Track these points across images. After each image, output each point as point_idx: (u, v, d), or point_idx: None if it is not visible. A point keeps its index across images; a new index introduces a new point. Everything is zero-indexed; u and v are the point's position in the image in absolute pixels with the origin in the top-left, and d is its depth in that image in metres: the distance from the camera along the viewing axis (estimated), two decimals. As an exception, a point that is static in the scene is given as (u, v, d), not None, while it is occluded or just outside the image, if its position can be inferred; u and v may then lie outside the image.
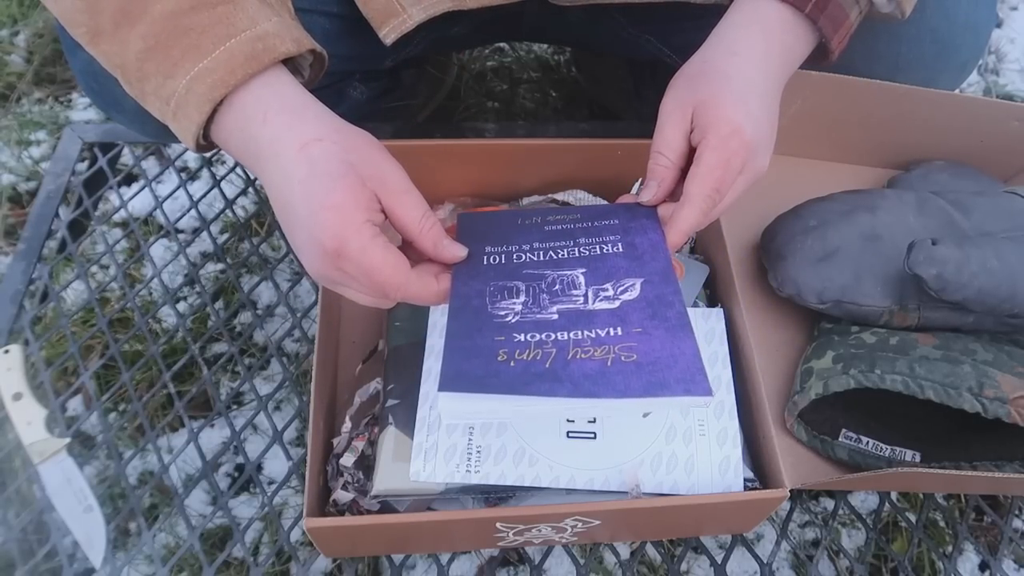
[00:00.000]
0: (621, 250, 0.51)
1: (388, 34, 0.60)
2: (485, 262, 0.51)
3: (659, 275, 0.48)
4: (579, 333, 0.46)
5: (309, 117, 0.45)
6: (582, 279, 0.49)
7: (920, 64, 0.68)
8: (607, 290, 0.48)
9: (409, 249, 0.48)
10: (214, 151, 0.52)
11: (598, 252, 0.51)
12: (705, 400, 0.42)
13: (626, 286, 0.48)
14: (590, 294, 0.48)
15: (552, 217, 0.56)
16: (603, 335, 0.45)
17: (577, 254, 0.51)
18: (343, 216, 0.43)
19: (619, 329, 0.46)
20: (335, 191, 0.43)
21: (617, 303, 0.47)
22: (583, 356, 0.44)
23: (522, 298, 0.48)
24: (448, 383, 0.43)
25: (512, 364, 0.44)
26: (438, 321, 0.63)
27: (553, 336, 0.45)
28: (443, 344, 0.46)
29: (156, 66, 0.45)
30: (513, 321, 0.47)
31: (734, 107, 0.48)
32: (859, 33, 0.61)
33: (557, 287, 0.49)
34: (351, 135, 0.45)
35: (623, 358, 0.44)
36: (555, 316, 0.47)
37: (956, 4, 0.65)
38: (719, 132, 0.48)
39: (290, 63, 0.48)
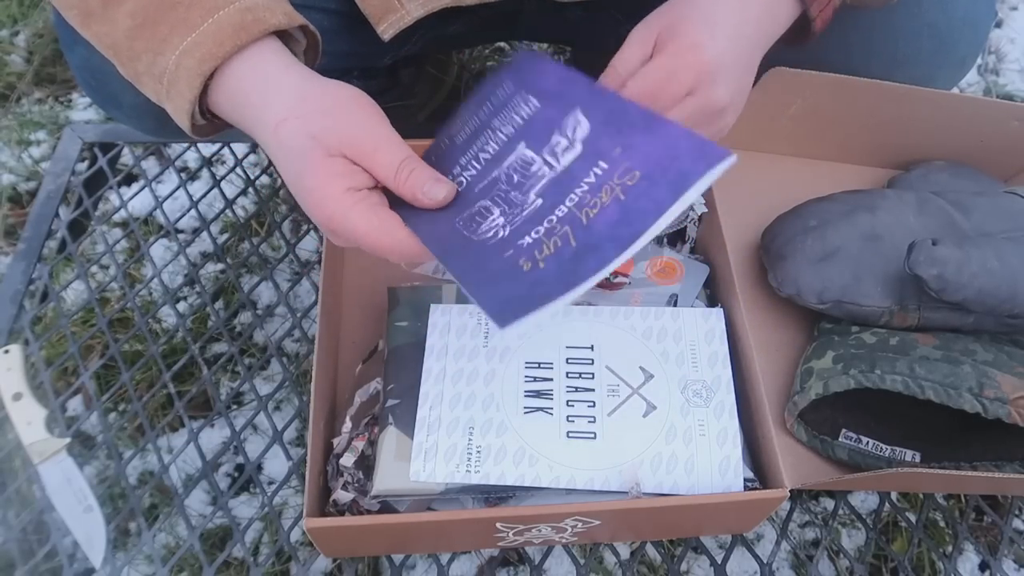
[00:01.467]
0: (538, 102, 0.47)
1: (386, 30, 0.60)
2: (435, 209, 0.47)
3: (588, 95, 0.45)
4: (573, 196, 0.43)
5: (277, 94, 0.45)
6: (529, 151, 0.46)
7: (918, 60, 0.68)
8: (559, 142, 0.45)
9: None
10: (211, 137, 0.52)
11: (520, 120, 0.47)
12: (730, 162, 0.39)
13: (572, 126, 0.45)
14: (548, 158, 0.45)
15: (456, 128, 0.52)
16: (594, 181, 0.42)
17: (504, 137, 0.48)
18: (320, 193, 0.43)
19: (602, 164, 0.42)
20: (305, 172, 0.43)
21: (579, 145, 0.44)
22: (594, 211, 0.41)
23: (496, 212, 0.45)
24: (504, 318, 0.39)
25: (542, 265, 0.41)
26: (438, 321, 0.64)
27: (553, 217, 0.42)
28: (465, 289, 0.42)
29: (145, 43, 0.45)
30: (507, 234, 0.44)
31: (698, 27, 0.47)
32: (856, 29, 0.61)
33: (516, 177, 0.46)
34: (318, 101, 0.44)
35: (629, 183, 0.41)
36: (538, 202, 0.44)
37: None
38: (676, 44, 0.47)
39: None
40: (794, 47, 0.55)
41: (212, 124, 0.50)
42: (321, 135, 0.43)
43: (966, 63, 0.71)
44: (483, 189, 0.47)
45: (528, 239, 0.42)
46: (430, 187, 0.45)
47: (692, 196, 0.39)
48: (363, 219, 0.43)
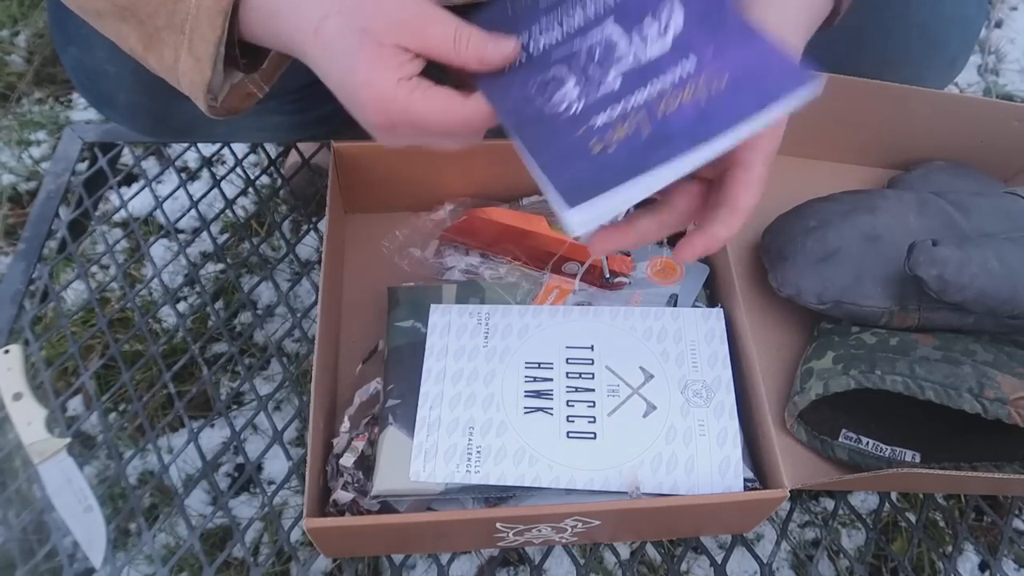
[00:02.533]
0: None
1: None
2: (506, 69, 0.45)
3: None
4: (655, 85, 0.41)
5: None
6: (617, 32, 0.44)
7: (907, 60, 0.67)
8: (651, 28, 0.43)
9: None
10: (224, 119, 0.50)
11: None
12: (819, 86, 0.37)
13: (666, 13, 0.43)
14: (636, 43, 0.43)
15: None
16: (680, 76, 0.41)
17: (594, 10, 0.45)
18: (374, 89, 0.41)
19: (690, 61, 0.41)
20: (357, 68, 0.42)
21: (669, 38, 0.42)
22: (674, 108, 0.39)
23: (572, 82, 0.43)
24: (574, 197, 0.38)
25: (612, 150, 0.39)
26: (438, 322, 0.64)
27: (631, 102, 0.41)
28: (534, 163, 0.40)
29: None
30: (579, 110, 0.42)
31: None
32: (845, 29, 0.61)
33: (597, 55, 0.44)
34: None
35: (715, 87, 0.39)
36: (617, 83, 0.42)
37: None
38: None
39: None
40: (823, 30, 0.53)
41: (221, 106, 0.49)
42: (370, 26, 0.42)
43: (956, 63, 0.70)
44: (561, 56, 0.45)
45: (601, 119, 0.41)
46: (493, 45, 0.44)
47: (776, 113, 0.38)
48: (423, 102, 0.42)
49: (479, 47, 0.43)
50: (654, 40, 0.43)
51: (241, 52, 0.48)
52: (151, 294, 0.82)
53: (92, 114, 1.01)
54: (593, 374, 0.60)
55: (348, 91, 0.43)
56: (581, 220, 0.38)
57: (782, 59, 0.39)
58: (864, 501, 0.70)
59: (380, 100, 0.42)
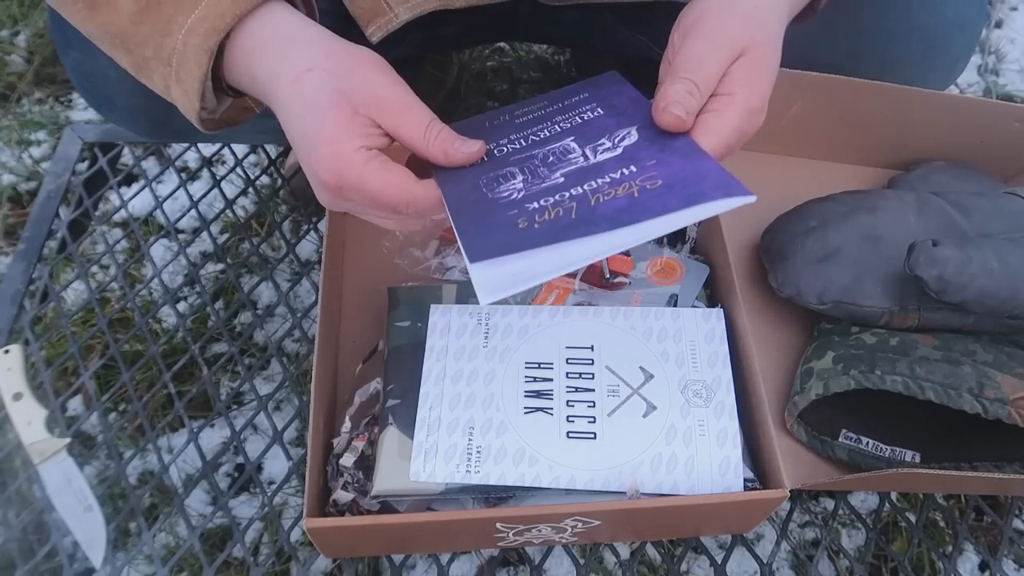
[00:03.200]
0: (602, 112, 0.49)
1: (374, 33, 0.60)
2: (467, 165, 0.47)
3: (650, 118, 0.45)
4: (593, 183, 0.43)
5: (300, 46, 0.44)
6: (574, 144, 0.47)
7: (908, 63, 0.67)
8: (604, 144, 0.46)
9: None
10: (216, 134, 0.51)
11: (579, 120, 0.49)
12: (748, 200, 0.39)
13: (622, 135, 0.46)
14: (588, 152, 0.46)
15: (520, 111, 0.53)
16: (618, 176, 0.43)
17: (559, 129, 0.49)
18: (335, 148, 0.42)
19: (632, 167, 0.43)
20: (326, 124, 0.42)
21: (620, 150, 0.45)
22: (606, 198, 0.42)
23: (519, 178, 0.46)
24: (477, 254, 0.40)
25: (536, 226, 0.41)
26: (438, 322, 0.64)
27: (567, 193, 0.43)
28: (456, 232, 0.42)
29: (151, 26, 0.44)
30: (520, 196, 0.44)
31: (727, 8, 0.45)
32: (846, 32, 0.61)
33: (552, 158, 0.46)
34: (344, 58, 0.44)
35: (648, 186, 0.41)
36: (561, 179, 0.45)
37: (944, 1, 0.64)
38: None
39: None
40: (797, 24, 0.53)
41: (220, 117, 0.49)
42: (350, 91, 0.42)
43: (957, 66, 0.70)
44: (517, 160, 0.48)
45: (535, 204, 0.43)
46: (460, 144, 0.45)
47: (700, 214, 0.39)
48: (378, 172, 0.42)
49: (446, 142, 0.44)
50: (604, 152, 0.46)
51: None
52: (151, 294, 0.82)
53: (92, 114, 1.01)
54: (593, 374, 0.60)
55: (309, 143, 0.43)
56: (485, 278, 0.39)
57: (719, 174, 0.41)
58: (864, 501, 0.70)
59: (337, 159, 0.42)
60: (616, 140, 0.46)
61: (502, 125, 0.52)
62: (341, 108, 0.42)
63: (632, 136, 0.46)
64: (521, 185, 0.45)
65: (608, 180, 0.43)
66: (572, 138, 0.48)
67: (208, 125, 0.49)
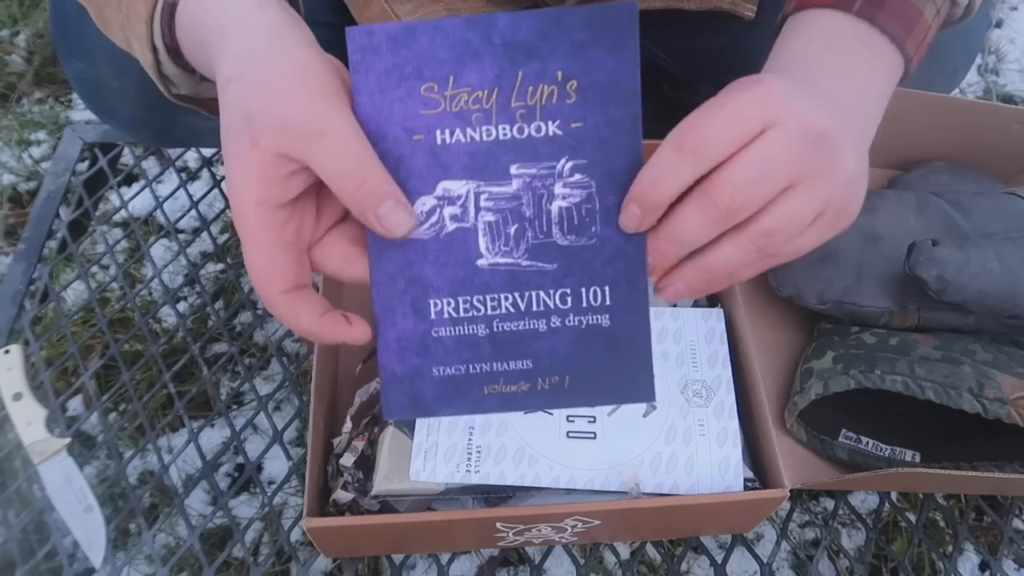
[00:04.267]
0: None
1: None
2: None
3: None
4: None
5: (231, 40, 0.36)
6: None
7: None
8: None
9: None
10: (191, 106, 0.47)
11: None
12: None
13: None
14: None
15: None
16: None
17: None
18: (233, 192, 0.34)
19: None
20: (229, 157, 0.34)
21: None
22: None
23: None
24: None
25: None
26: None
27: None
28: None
29: None
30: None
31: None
32: None
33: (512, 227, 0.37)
34: (259, 72, 0.34)
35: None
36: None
37: None
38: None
39: None
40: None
41: (191, 95, 0.45)
42: (253, 116, 0.33)
43: (958, 74, 0.70)
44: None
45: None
46: (388, 209, 0.34)
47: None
48: (262, 251, 0.34)
49: (369, 200, 0.34)
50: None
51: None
52: (151, 294, 0.82)
53: (92, 114, 1.01)
54: (593, 374, 0.60)
55: (225, 158, 0.35)
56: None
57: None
58: (864, 501, 0.70)
59: (236, 205, 0.34)
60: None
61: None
62: (242, 140, 0.33)
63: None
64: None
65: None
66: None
67: (181, 101, 0.45)
